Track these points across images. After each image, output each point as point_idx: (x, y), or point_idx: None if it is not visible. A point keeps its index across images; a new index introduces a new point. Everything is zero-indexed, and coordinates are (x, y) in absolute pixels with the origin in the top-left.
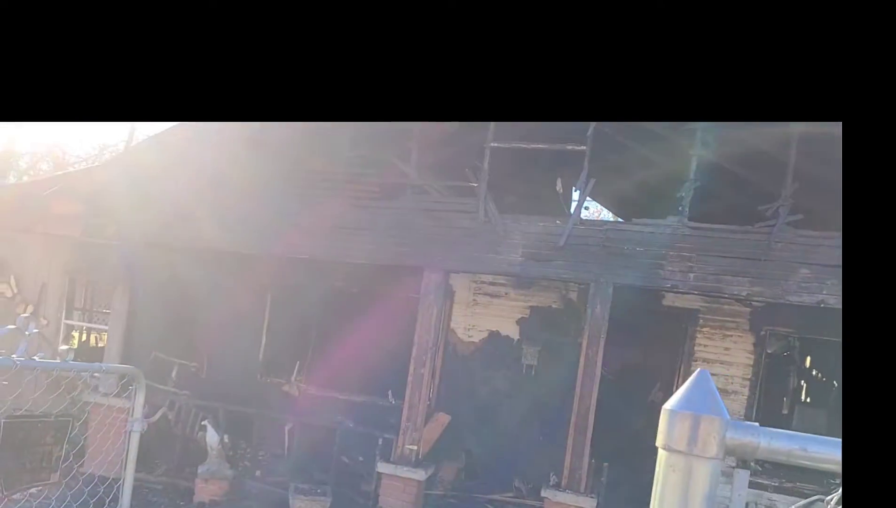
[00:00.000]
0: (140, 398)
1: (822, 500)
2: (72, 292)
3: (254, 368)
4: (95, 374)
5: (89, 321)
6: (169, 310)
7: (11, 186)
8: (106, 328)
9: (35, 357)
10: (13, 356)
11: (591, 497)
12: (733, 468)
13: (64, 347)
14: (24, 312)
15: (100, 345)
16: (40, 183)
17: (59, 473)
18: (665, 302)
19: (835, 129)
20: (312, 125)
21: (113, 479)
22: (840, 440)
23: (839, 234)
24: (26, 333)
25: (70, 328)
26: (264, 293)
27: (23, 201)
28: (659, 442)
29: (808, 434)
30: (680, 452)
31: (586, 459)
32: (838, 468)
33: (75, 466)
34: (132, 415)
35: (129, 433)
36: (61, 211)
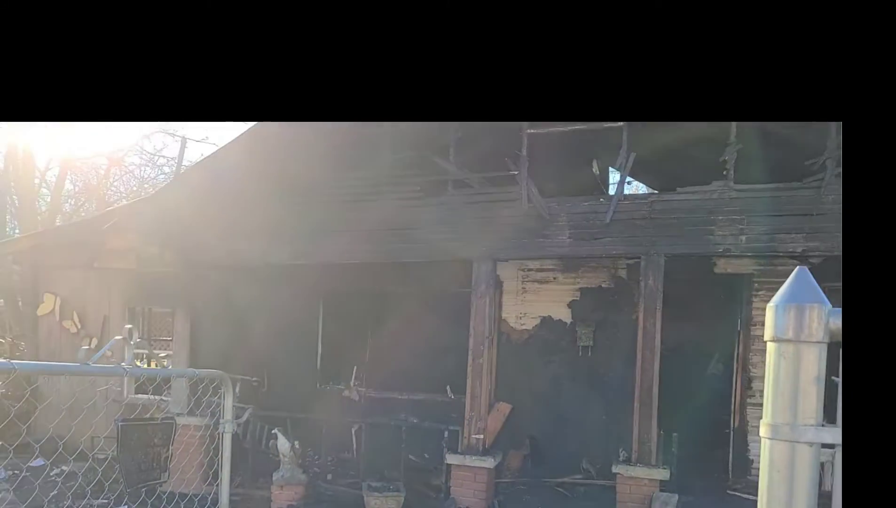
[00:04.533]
0: (229, 401)
1: None
2: (132, 323)
3: (312, 376)
4: (164, 398)
5: (150, 349)
6: (227, 329)
7: (65, 227)
8: (165, 354)
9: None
10: (122, 363)
11: (664, 469)
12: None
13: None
14: (90, 345)
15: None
16: (92, 222)
17: (167, 472)
18: (717, 270)
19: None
20: (355, 133)
21: (193, 495)
22: None
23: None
24: (131, 342)
25: (134, 356)
26: (316, 302)
27: (77, 240)
28: (767, 336)
29: None
30: (789, 341)
31: (654, 431)
32: None
33: (156, 482)
34: (223, 417)
35: (222, 434)
36: (115, 246)
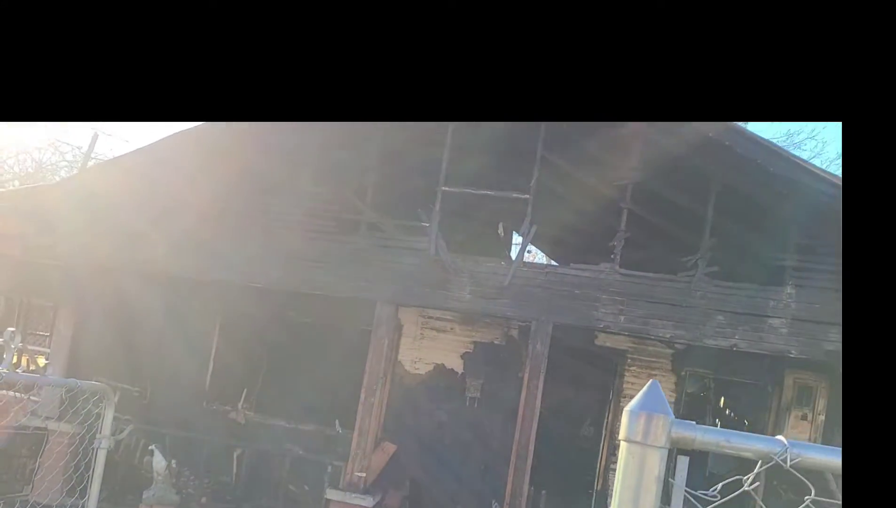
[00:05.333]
0: (109, 416)
1: (741, 479)
2: (8, 312)
3: (200, 394)
4: (33, 398)
5: (24, 346)
6: (114, 334)
7: None
8: (41, 350)
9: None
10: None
11: None
12: (678, 454)
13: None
14: None
15: (31, 368)
16: None
17: (31, 485)
18: (598, 342)
19: (753, 188)
20: (274, 158)
21: (54, 507)
22: (752, 434)
23: (750, 285)
24: (12, 346)
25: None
26: (214, 320)
27: None
28: (621, 436)
29: (732, 430)
30: (637, 443)
31: (526, 487)
32: (755, 456)
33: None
34: (101, 432)
35: (97, 449)
36: (1, 230)
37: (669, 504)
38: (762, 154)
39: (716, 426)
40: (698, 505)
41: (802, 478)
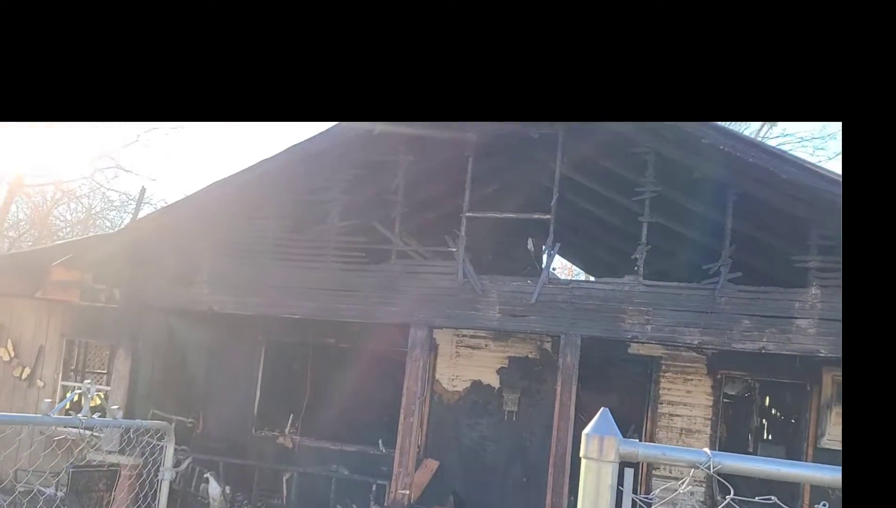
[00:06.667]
0: (170, 449)
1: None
2: (69, 355)
3: (249, 422)
4: (95, 434)
5: (93, 388)
6: (167, 369)
7: (10, 255)
8: (101, 388)
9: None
10: (79, 415)
11: None
12: (625, 467)
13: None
14: (21, 375)
15: (93, 404)
16: (40, 252)
17: None
18: (631, 350)
19: (768, 194)
20: (304, 200)
21: None
22: (683, 448)
23: (775, 289)
24: (90, 396)
25: (66, 388)
26: (258, 350)
27: (23, 267)
28: (581, 454)
29: (670, 445)
30: (593, 459)
31: (565, 497)
32: (686, 465)
33: None
34: (164, 464)
35: (161, 481)
36: (61, 278)
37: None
38: (771, 161)
39: (762, 426)
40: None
41: (723, 481)
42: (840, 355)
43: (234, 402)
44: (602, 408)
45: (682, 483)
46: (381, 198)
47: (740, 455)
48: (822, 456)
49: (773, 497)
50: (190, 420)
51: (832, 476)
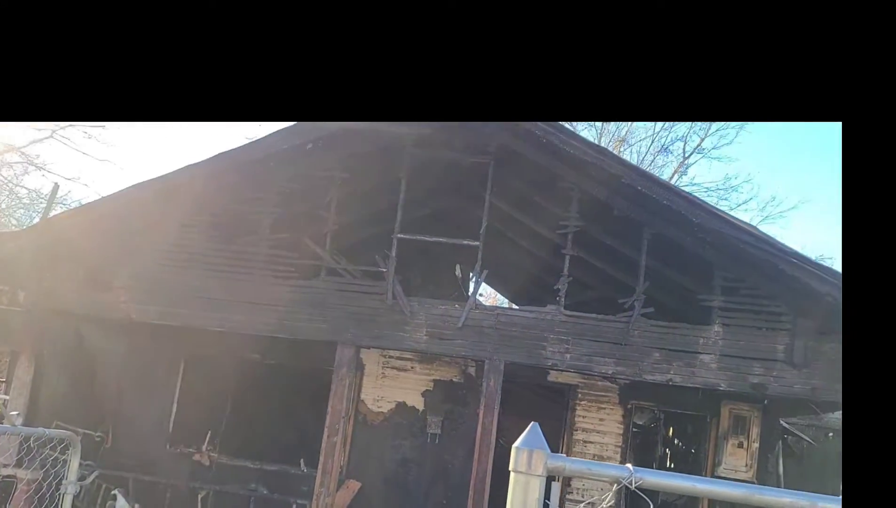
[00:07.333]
0: (75, 462)
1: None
2: None
3: (163, 437)
4: None
5: None
6: (75, 379)
7: None
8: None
9: None
10: None
11: None
12: (552, 480)
13: None
14: None
15: None
16: None
17: None
18: (550, 378)
19: (680, 235)
20: (236, 206)
21: None
22: (607, 463)
23: (682, 325)
24: None
25: None
26: (177, 363)
27: None
28: (511, 467)
29: (595, 462)
30: (522, 472)
31: None
32: (610, 480)
33: None
34: (66, 478)
35: (63, 495)
36: None
37: None
38: (684, 204)
39: (665, 455)
40: None
41: (643, 495)
42: (735, 389)
43: (148, 416)
44: (532, 423)
45: (606, 499)
46: (313, 214)
47: (660, 471)
48: None
49: None
50: (99, 434)
51: (742, 492)
